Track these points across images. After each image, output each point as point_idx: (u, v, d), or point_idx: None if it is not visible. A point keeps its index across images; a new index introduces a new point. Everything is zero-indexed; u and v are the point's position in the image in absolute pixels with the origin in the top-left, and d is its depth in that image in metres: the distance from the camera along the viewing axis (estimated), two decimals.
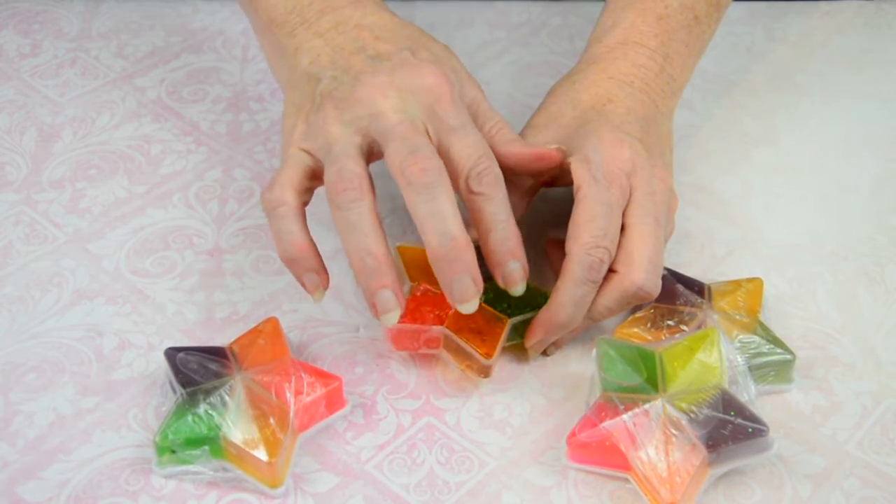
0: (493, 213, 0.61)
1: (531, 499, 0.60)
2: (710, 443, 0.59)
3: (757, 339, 0.65)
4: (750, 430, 0.59)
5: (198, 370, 0.62)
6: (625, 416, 0.60)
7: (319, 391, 0.62)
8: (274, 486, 0.60)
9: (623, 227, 0.64)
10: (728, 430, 0.59)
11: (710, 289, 0.69)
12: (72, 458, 0.61)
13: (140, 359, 0.67)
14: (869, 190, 0.79)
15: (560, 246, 0.65)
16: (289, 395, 0.61)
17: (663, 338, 0.66)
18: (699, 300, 0.68)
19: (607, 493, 0.61)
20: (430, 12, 0.93)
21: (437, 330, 0.64)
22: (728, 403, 0.60)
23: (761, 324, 0.67)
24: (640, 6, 0.73)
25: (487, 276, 0.67)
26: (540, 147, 0.66)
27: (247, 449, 0.59)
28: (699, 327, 0.66)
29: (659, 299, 0.67)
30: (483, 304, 0.65)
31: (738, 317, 0.67)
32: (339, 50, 0.66)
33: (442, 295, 0.65)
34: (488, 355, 0.63)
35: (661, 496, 0.58)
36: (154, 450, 0.60)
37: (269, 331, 0.65)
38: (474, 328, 0.64)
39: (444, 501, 0.60)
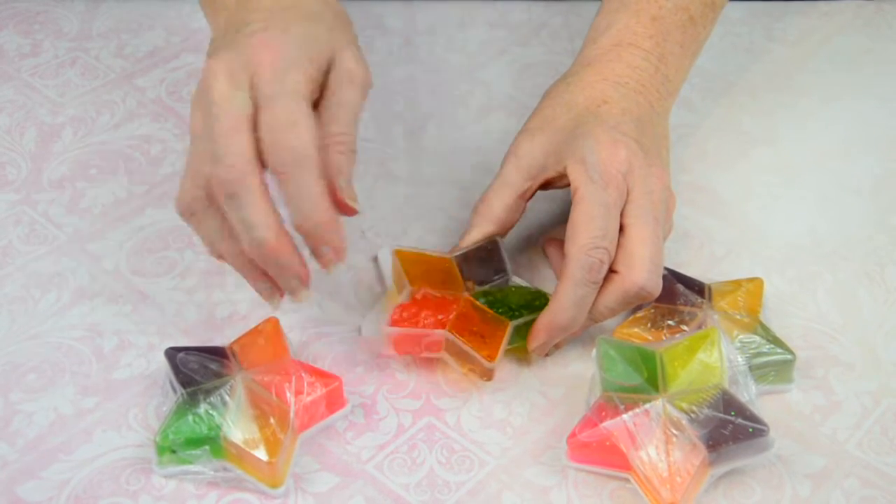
0: (293, 195, 0.58)
1: (531, 498, 0.60)
2: (710, 442, 0.59)
3: (757, 338, 0.65)
4: (750, 430, 0.59)
5: (198, 370, 0.62)
6: (625, 416, 0.60)
7: (320, 391, 0.62)
8: (274, 485, 0.60)
9: (622, 228, 0.64)
10: (728, 429, 0.59)
11: (710, 289, 0.69)
12: (72, 457, 0.61)
13: (140, 359, 0.67)
14: (869, 190, 0.79)
15: (558, 245, 0.65)
16: (289, 395, 0.61)
17: (664, 338, 0.66)
18: (699, 300, 0.68)
19: (607, 493, 0.61)
20: (430, 12, 0.93)
21: (440, 334, 0.64)
22: (728, 403, 0.60)
23: (761, 324, 0.67)
24: (634, 7, 0.73)
25: (486, 280, 0.68)
26: (339, 189, 0.60)
27: (247, 449, 0.59)
28: (699, 327, 0.66)
29: (659, 299, 0.67)
30: (484, 308, 0.65)
31: (738, 317, 0.67)
32: (218, 34, 0.65)
33: (442, 298, 0.65)
34: (491, 358, 0.63)
35: (661, 496, 0.58)
36: (154, 450, 0.60)
37: (269, 331, 0.65)
38: (476, 331, 0.64)
39: (444, 501, 0.60)
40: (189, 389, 0.61)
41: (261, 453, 0.59)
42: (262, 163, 0.58)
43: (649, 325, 0.67)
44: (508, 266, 0.68)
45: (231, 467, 0.60)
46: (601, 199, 0.63)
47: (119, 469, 0.61)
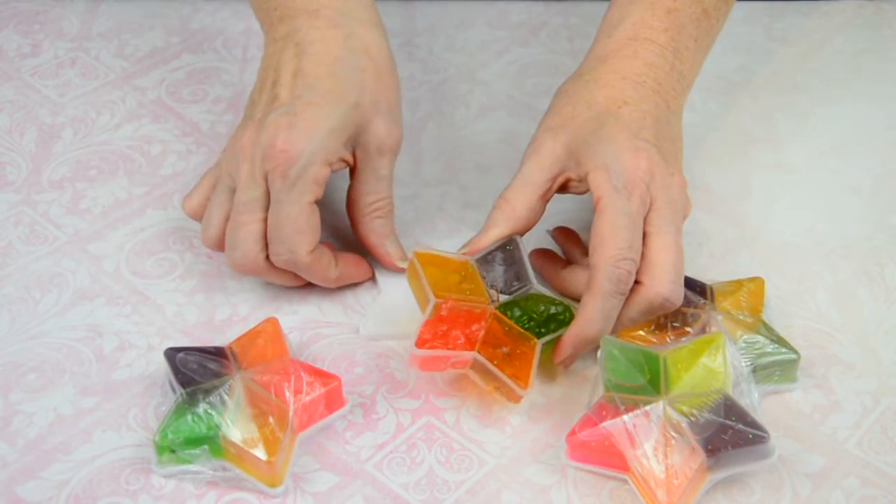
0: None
1: (531, 497, 0.60)
2: (709, 447, 0.58)
3: (761, 338, 0.65)
4: (750, 436, 0.59)
5: (197, 370, 0.62)
6: (625, 417, 0.60)
7: (319, 390, 0.62)
8: (273, 485, 0.60)
9: (644, 236, 0.64)
10: (728, 435, 0.59)
11: (711, 289, 0.69)
12: (72, 457, 0.61)
13: (140, 359, 0.67)
14: (869, 190, 0.79)
15: (567, 233, 0.64)
16: (288, 395, 0.62)
17: (668, 339, 0.66)
18: (702, 301, 0.67)
19: (607, 493, 0.61)
20: (430, 12, 0.93)
21: (469, 355, 0.62)
22: (730, 408, 0.60)
23: (765, 323, 0.66)
24: (649, 0, 0.72)
25: (507, 286, 0.67)
26: (385, 254, 0.70)
27: (246, 448, 0.59)
28: (703, 328, 0.66)
29: None
30: (511, 323, 0.64)
31: (741, 317, 0.67)
32: (265, 71, 0.69)
33: (468, 311, 0.63)
34: (524, 386, 0.61)
35: (657, 498, 0.58)
36: (154, 449, 0.60)
37: (269, 331, 0.65)
38: (504, 350, 0.62)
39: (443, 500, 0.60)
40: (188, 389, 0.61)
41: (260, 452, 0.59)
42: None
43: (653, 326, 0.67)
44: (530, 271, 0.67)
45: (230, 467, 0.60)
46: (626, 209, 0.63)
47: (118, 469, 0.61)
